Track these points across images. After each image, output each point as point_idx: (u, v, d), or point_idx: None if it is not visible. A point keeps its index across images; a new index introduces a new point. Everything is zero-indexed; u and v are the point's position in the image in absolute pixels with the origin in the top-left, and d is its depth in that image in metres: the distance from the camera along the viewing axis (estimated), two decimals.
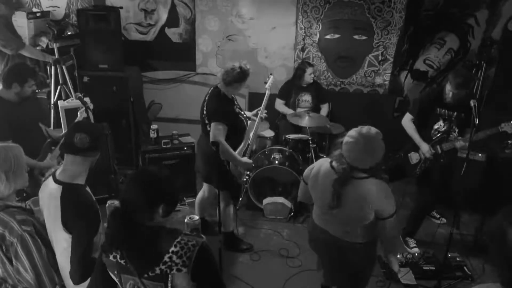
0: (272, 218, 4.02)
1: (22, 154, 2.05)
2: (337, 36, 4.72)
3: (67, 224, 1.93)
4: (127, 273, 1.58)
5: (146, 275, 1.55)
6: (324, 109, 4.63)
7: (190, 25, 4.87)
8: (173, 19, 4.87)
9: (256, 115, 3.46)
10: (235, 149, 3.14)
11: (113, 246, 1.57)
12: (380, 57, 4.74)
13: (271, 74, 3.57)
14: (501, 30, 4.43)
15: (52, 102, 3.89)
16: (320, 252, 2.54)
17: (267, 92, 3.43)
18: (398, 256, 3.29)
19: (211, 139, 2.94)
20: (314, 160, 3.77)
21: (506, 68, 4.28)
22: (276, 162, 4.06)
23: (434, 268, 3.30)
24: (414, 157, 3.52)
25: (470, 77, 3.29)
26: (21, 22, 4.24)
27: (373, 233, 2.27)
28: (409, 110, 3.55)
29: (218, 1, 4.71)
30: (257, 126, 3.40)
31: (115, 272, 1.62)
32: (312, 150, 4.11)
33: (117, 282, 1.65)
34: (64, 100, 3.78)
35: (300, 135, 4.29)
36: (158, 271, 1.53)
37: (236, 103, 3.25)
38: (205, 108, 3.13)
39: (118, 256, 1.58)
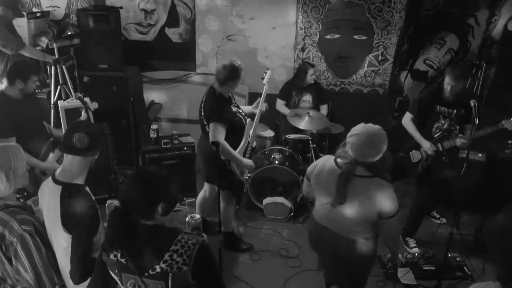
0: (272, 218, 4.02)
1: (22, 153, 2.04)
2: (337, 36, 4.72)
3: (67, 224, 1.92)
4: (127, 272, 1.58)
5: (146, 274, 1.55)
6: (323, 110, 4.62)
7: (190, 25, 4.87)
8: (173, 19, 4.87)
9: (256, 107, 3.42)
10: (235, 148, 3.14)
11: (113, 245, 1.58)
12: (380, 57, 4.74)
13: (268, 69, 3.56)
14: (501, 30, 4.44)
15: (52, 102, 3.89)
16: (320, 251, 2.54)
17: (265, 88, 3.43)
18: (398, 256, 3.29)
19: (210, 140, 2.94)
20: (314, 160, 3.76)
21: (506, 68, 4.29)
22: (276, 162, 4.06)
23: (434, 268, 3.30)
24: (415, 156, 3.52)
25: (466, 68, 3.29)
26: (21, 22, 4.25)
27: (374, 232, 2.28)
28: (409, 109, 3.58)
29: (218, 1, 4.72)
30: (257, 120, 3.35)
31: (116, 271, 1.62)
32: (312, 150, 4.12)
33: (118, 281, 1.65)
34: (64, 100, 3.78)
35: (300, 135, 4.29)
36: (158, 270, 1.53)
37: (233, 102, 3.24)
38: (202, 109, 3.13)
39: (118, 255, 1.58)
